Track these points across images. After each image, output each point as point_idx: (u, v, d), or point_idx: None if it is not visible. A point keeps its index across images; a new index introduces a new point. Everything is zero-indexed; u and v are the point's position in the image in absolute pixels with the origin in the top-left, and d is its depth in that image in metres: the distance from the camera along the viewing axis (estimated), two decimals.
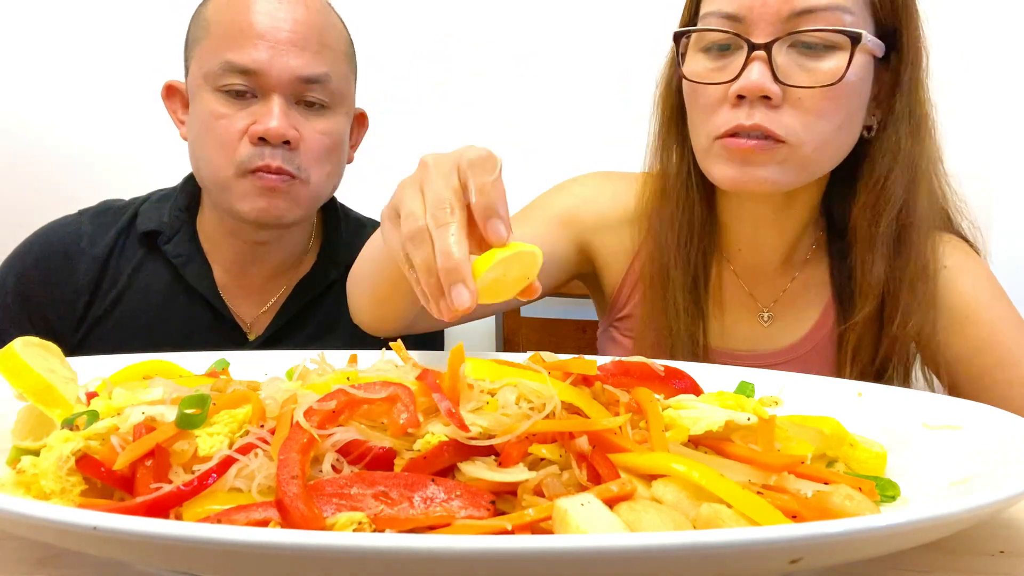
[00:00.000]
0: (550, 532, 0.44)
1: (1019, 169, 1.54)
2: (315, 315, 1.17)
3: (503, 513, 0.46)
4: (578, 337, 1.57)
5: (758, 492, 0.47)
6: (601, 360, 0.66)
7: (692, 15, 0.92)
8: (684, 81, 0.91)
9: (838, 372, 0.95)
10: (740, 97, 0.84)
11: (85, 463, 0.51)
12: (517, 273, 0.63)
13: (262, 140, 1.01)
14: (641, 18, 1.56)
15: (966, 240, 1.00)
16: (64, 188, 1.57)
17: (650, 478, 0.49)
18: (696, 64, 0.89)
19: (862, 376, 0.93)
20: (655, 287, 0.98)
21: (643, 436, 0.54)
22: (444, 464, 0.49)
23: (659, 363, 0.67)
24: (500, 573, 0.37)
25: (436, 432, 0.50)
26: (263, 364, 0.78)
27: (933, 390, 0.96)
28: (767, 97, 0.83)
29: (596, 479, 0.48)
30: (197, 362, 0.75)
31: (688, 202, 0.96)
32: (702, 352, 0.97)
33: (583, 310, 1.56)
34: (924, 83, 0.91)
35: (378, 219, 0.69)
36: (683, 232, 0.96)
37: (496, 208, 0.60)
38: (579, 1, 1.62)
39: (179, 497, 0.47)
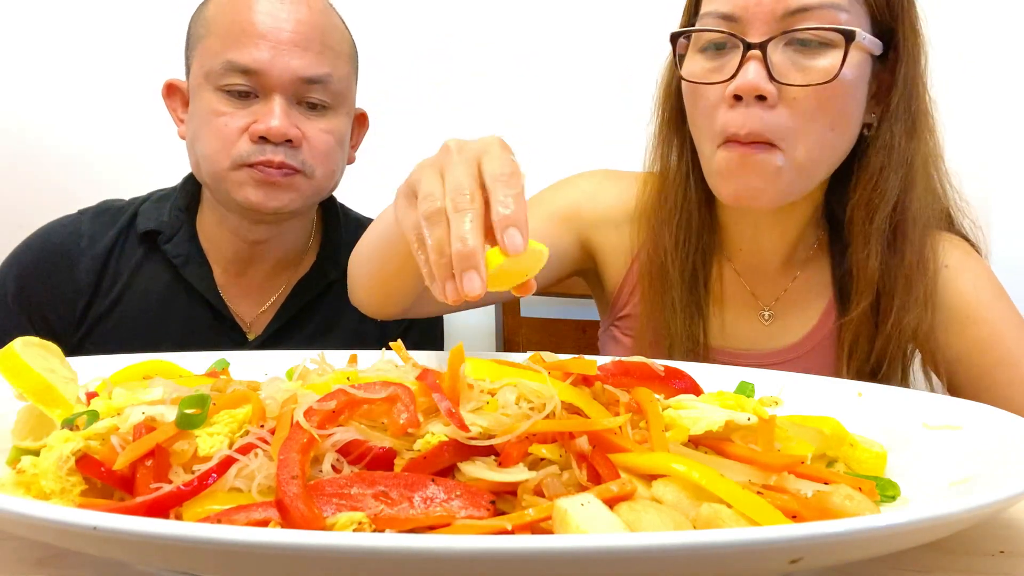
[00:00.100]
0: (550, 532, 0.44)
1: (1018, 168, 1.54)
2: (315, 315, 1.17)
3: (503, 513, 0.46)
4: (578, 337, 1.57)
5: (758, 492, 0.47)
6: (601, 360, 0.66)
7: (691, 16, 0.92)
8: (683, 82, 0.91)
9: (837, 370, 0.95)
10: (737, 98, 0.84)
11: (85, 463, 0.51)
12: (521, 268, 0.63)
13: (263, 139, 1.01)
14: (642, 18, 1.56)
15: (967, 240, 1.00)
16: (64, 188, 1.57)
17: (650, 478, 0.49)
18: (694, 65, 0.89)
19: (860, 373, 0.93)
20: (654, 286, 0.98)
21: (643, 436, 0.54)
22: (444, 464, 0.49)
23: (659, 363, 0.67)
24: (500, 573, 0.37)
25: (436, 432, 0.50)
26: (263, 364, 0.77)
27: (933, 390, 0.96)
28: (763, 97, 0.83)
29: (596, 479, 0.48)
30: (197, 362, 0.75)
31: (687, 203, 0.96)
32: (702, 351, 0.97)
33: (583, 310, 1.56)
34: (923, 81, 0.91)
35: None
36: (681, 232, 0.96)
37: (517, 221, 0.59)
38: (580, 1, 1.62)
39: (179, 497, 0.47)
